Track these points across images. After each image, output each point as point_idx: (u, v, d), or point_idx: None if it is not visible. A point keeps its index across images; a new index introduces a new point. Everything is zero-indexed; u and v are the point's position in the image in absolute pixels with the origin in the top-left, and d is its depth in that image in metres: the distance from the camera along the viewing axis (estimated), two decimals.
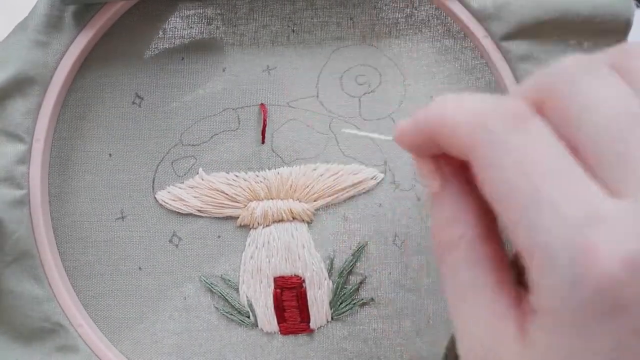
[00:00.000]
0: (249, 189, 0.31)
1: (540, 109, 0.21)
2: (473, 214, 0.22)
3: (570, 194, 0.18)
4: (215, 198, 0.31)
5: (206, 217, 0.31)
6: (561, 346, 0.19)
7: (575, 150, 0.20)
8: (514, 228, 0.19)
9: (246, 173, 0.31)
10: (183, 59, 0.32)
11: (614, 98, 0.19)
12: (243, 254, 0.32)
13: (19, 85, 0.29)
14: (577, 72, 0.20)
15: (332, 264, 0.32)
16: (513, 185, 0.19)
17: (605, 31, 0.29)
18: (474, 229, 0.22)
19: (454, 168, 0.22)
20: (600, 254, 0.18)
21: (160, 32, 0.32)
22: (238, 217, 0.31)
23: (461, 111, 0.20)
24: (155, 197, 0.31)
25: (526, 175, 0.19)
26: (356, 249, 0.31)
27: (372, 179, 0.32)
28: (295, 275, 0.31)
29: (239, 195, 0.31)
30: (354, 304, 0.32)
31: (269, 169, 0.31)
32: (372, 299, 0.32)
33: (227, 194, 0.31)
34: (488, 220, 0.22)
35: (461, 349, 0.22)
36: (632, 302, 0.18)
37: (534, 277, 0.19)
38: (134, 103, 0.31)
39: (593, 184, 0.19)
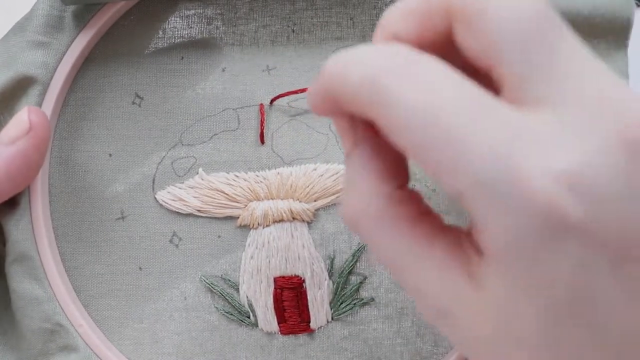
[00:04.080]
0: (249, 189, 0.31)
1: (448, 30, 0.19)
2: (383, 174, 0.20)
3: (482, 124, 0.17)
4: (215, 198, 0.31)
5: (206, 217, 0.32)
6: (516, 284, 0.17)
7: (491, 70, 0.18)
8: (440, 176, 0.18)
9: (246, 173, 0.31)
10: (182, 58, 0.32)
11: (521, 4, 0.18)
12: (243, 254, 0.32)
13: (21, 86, 0.29)
14: None
15: (332, 264, 0.32)
16: (422, 135, 0.17)
17: (605, 31, 0.29)
18: (384, 191, 0.20)
19: (367, 127, 0.21)
20: (532, 177, 0.16)
21: (160, 32, 0.32)
22: (238, 217, 0.31)
23: (352, 69, 0.19)
24: (155, 197, 0.31)
25: (431, 121, 0.17)
26: (356, 249, 0.31)
27: None
28: (295, 275, 0.31)
29: (239, 196, 0.31)
30: (355, 304, 0.32)
31: (269, 169, 0.31)
32: (373, 299, 0.32)
33: (227, 194, 0.31)
34: (403, 178, 0.21)
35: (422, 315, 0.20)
36: (579, 219, 0.16)
37: (475, 218, 0.17)
38: (133, 103, 0.31)
39: (505, 105, 0.17)
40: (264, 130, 0.31)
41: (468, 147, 0.17)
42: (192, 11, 0.32)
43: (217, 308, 0.32)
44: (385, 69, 0.18)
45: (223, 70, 0.32)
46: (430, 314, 0.20)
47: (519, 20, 0.18)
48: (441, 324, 0.20)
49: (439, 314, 0.20)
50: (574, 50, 0.18)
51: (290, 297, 0.31)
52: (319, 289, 0.31)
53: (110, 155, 0.31)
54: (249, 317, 0.32)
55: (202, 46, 0.32)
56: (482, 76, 0.19)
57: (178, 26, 0.32)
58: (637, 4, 0.30)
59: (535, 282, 0.17)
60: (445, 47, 0.20)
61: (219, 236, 0.32)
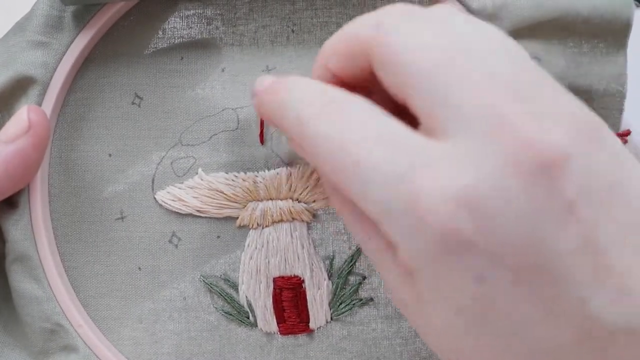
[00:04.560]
0: (249, 189, 0.31)
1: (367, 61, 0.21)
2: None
3: (388, 155, 0.18)
4: (214, 198, 0.31)
5: (206, 217, 0.32)
6: (432, 295, 0.19)
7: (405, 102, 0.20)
8: (356, 201, 0.19)
9: (245, 173, 0.31)
10: (182, 58, 0.32)
11: (427, 41, 0.20)
12: (242, 254, 0.32)
13: (21, 86, 0.29)
14: (399, 19, 0.20)
15: (331, 264, 0.32)
16: (335, 166, 0.19)
17: (605, 31, 0.29)
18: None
19: None
20: (430, 198, 0.18)
21: (160, 32, 0.32)
22: (237, 218, 0.31)
23: (286, 106, 0.21)
24: (154, 198, 0.32)
25: (341, 153, 0.19)
26: (356, 249, 0.32)
27: None
28: (294, 275, 0.31)
29: (238, 196, 0.31)
30: (354, 304, 0.32)
31: (269, 169, 0.31)
32: (372, 299, 0.32)
33: (226, 194, 0.31)
34: None
35: None
36: (471, 236, 0.18)
37: (390, 239, 0.19)
38: (133, 103, 0.32)
39: (416, 136, 0.19)
40: (264, 131, 0.31)
41: (373, 177, 0.18)
42: (192, 11, 0.32)
43: (216, 308, 0.32)
44: (308, 105, 0.21)
45: (223, 70, 0.32)
46: (397, 304, 0.22)
47: (423, 56, 0.19)
48: (405, 313, 0.22)
49: (402, 306, 0.22)
50: (482, 76, 0.19)
51: (289, 298, 0.31)
52: (318, 289, 0.31)
53: (109, 155, 0.31)
54: (248, 317, 0.32)
55: (201, 46, 0.32)
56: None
57: (178, 26, 0.32)
58: (636, 4, 0.30)
59: (443, 294, 0.19)
60: (376, 81, 0.22)
61: (219, 236, 0.32)
